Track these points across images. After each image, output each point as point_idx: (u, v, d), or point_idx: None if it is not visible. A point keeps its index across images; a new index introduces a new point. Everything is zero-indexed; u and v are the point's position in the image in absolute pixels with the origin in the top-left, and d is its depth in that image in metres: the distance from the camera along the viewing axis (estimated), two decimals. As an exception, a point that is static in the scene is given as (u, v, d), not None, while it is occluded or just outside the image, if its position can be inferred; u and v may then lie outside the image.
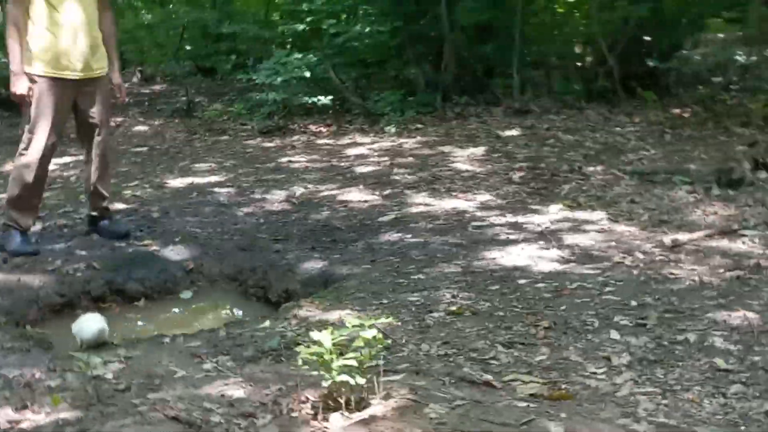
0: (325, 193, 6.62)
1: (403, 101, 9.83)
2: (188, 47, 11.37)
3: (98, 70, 5.14)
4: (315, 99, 9.28)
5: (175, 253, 5.24)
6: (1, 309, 4.35)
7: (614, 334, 3.60)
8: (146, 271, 5.02)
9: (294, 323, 3.89)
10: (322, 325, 3.71)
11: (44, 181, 5.24)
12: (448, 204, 6.12)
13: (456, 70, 10.39)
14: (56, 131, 5.08)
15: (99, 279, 4.86)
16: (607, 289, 4.16)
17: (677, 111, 9.22)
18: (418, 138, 8.62)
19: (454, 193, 6.44)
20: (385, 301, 4.15)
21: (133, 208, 6.21)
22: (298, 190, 6.70)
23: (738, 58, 9.35)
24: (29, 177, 5.05)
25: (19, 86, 4.92)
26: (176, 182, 7.00)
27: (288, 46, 10.99)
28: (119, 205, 6.27)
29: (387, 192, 6.59)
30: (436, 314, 3.92)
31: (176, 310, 4.87)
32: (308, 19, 9.25)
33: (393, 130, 8.90)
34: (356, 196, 6.50)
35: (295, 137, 9.05)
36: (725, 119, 8.55)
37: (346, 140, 8.79)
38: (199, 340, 3.77)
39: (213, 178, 7.15)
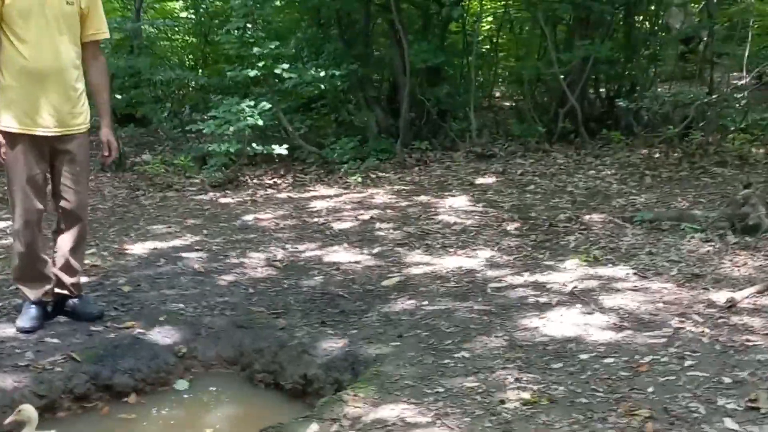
0: (309, 254, 6.03)
1: (359, 148, 9.32)
2: (117, 95, 10.56)
3: (76, 126, 4.43)
4: (269, 148, 8.64)
5: (162, 335, 4.55)
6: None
7: (730, 423, 3.12)
8: (134, 360, 4.30)
9: (347, 425, 3.26)
10: (382, 426, 3.13)
11: (38, 247, 4.56)
12: (450, 262, 5.62)
13: (410, 114, 9.95)
14: (35, 192, 4.39)
15: (81, 373, 4.12)
16: (687, 363, 3.69)
17: (644, 151, 8.97)
18: (387, 188, 8.11)
19: (451, 250, 5.94)
20: (440, 390, 3.58)
21: (96, 281, 5.46)
22: (278, 252, 6.07)
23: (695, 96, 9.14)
24: (21, 246, 4.48)
25: None
26: (136, 248, 6.27)
27: (229, 95, 10.33)
28: (82, 279, 5.49)
29: (376, 250, 6.04)
30: (509, 405, 3.36)
31: (175, 407, 4.16)
32: (260, 64, 8.64)
33: (358, 179, 8.35)
34: (344, 256, 5.92)
35: (250, 190, 8.40)
36: (699, 159, 8.32)
37: (308, 193, 8.21)
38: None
39: (177, 242, 6.44)
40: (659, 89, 10.16)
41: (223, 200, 7.99)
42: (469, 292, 4.99)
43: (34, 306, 4.57)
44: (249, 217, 7.22)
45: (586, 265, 5.29)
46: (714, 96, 9.13)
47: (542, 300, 4.72)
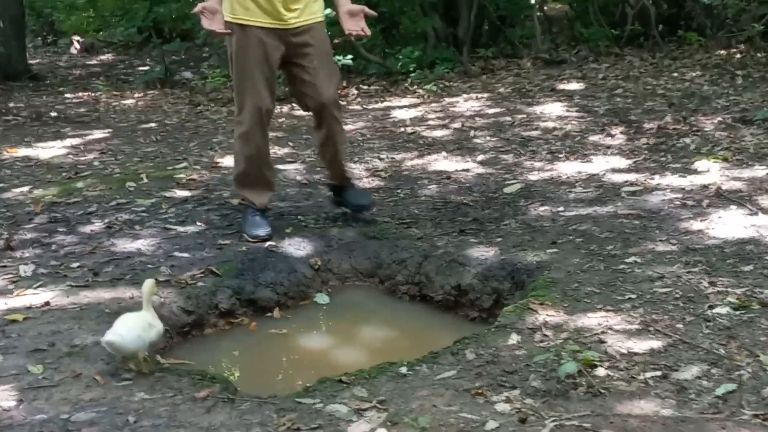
0: (410, 164, 5.75)
1: (422, 58, 8.94)
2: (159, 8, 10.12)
3: (309, 16, 4.11)
4: (336, 59, 8.23)
5: (294, 247, 4.28)
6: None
7: None
8: (274, 273, 4.05)
9: (550, 335, 3.02)
10: (591, 334, 2.89)
11: (266, 152, 4.37)
12: (566, 168, 5.35)
13: (471, 21, 9.53)
14: (266, 92, 4.14)
15: (224, 288, 3.87)
16: None
17: (723, 52, 8.59)
18: (465, 96, 7.76)
19: (561, 155, 5.67)
20: (631, 296, 3.33)
21: (200, 194, 5.20)
22: (377, 163, 5.79)
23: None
24: (250, 149, 4.26)
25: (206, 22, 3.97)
26: (228, 161, 5.96)
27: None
28: (180, 192, 5.24)
29: (480, 158, 5.76)
30: (720, 310, 3.12)
31: (322, 321, 3.93)
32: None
33: (432, 88, 8.00)
34: (449, 165, 5.65)
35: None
36: (787, 58, 7.96)
37: (380, 103, 7.88)
38: (447, 366, 2.87)
39: (267, 154, 6.12)
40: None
41: (294, 113, 7.66)
42: (603, 197, 4.72)
43: (259, 213, 4.37)
44: (330, 128, 6.88)
45: (719, 166, 5.00)
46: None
47: (689, 203, 4.45)
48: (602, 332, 3.01)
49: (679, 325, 3.02)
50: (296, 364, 3.54)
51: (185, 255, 4.15)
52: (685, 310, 3.15)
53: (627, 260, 3.73)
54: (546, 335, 3.03)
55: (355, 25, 4.03)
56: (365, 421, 2.50)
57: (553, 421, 2.38)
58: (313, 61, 4.14)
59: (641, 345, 2.87)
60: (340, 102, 4.40)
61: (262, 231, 4.28)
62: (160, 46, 10.26)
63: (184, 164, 5.88)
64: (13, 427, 2.56)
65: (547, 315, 3.20)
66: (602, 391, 2.57)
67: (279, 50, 4.12)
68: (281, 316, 3.93)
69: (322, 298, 4.10)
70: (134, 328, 2.90)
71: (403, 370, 2.86)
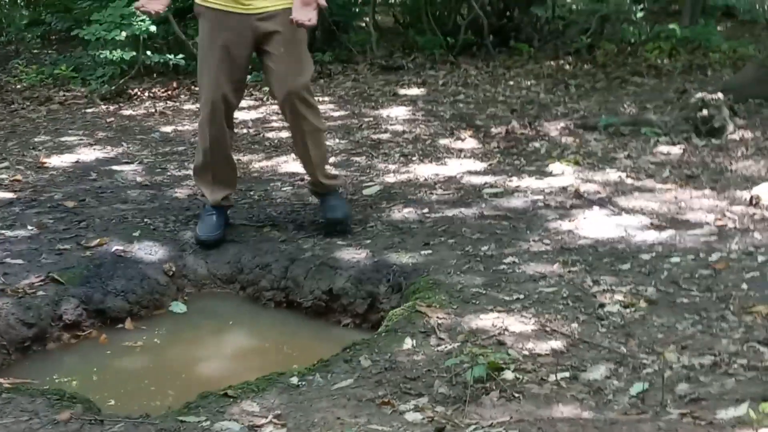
0: (258, 165, 5.51)
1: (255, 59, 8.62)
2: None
3: (277, 1, 3.73)
4: (165, 57, 7.81)
5: (144, 252, 3.90)
6: None
7: None
8: (124, 280, 3.66)
9: (446, 337, 2.85)
10: (488, 336, 2.76)
11: (226, 146, 3.98)
12: (422, 171, 5.24)
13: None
14: (224, 81, 3.77)
15: (69, 297, 3.44)
16: (762, 258, 3.51)
17: (551, 63, 8.84)
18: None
19: (414, 158, 5.56)
20: (519, 297, 3.23)
21: (28, 196, 4.69)
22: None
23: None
24: (204, 141, 3.95)
25: None
26: (55, 161, 5.46)
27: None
28: (3, 194, 4.71)
29: (332, 160, 5.55)
30: (611, 308, 3.06)
31: (178, 332, 3.58)
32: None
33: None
34: (300, 167, 5.37)
35: (147, 103, 7.57)
36: (613, 70, 8.29)
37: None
38: (343, 375, 2.62)
39: (98, 155, 5.67)
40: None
41: (124, 113, 7.15)
42: (466, 198, 4.63)
43: (215, 212, 4.02)
44: (167, 129, 6.50)
45: (573, 169, 5.05)
46: (613, 8, 9.12)
47: (553, 204, 4.43)
48: (499, 334, 2.87)
49: (574, 325, 2.93)
50: (160, 380, 3.17)
51: (19, 261, 3.69)
52: (576, 309, 3.07)
53: (505, 260, 3.63)
54: (442, 338, 2.85)
55: (304, 15, 3.65)
56: (263, 439, 2.21)
57: (476, 429, 2.19)
58: (280, 48, 3.79)
59: (542, 346, 2.75)
60: (310, 97, 3.94)
61: (206, 234, 3.98)
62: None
63: (5, 164, 5.30)
64: None
65: (437, 317, 3.03)
66: (516, 395, 2.41)
67: (244, 37, 3.78)
68: (134, 328, 3.55)
69: (178, 307, 3.75)
70: None
71: (294, 380, 2.59)
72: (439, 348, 2.77)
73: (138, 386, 3.09)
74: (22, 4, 10.17)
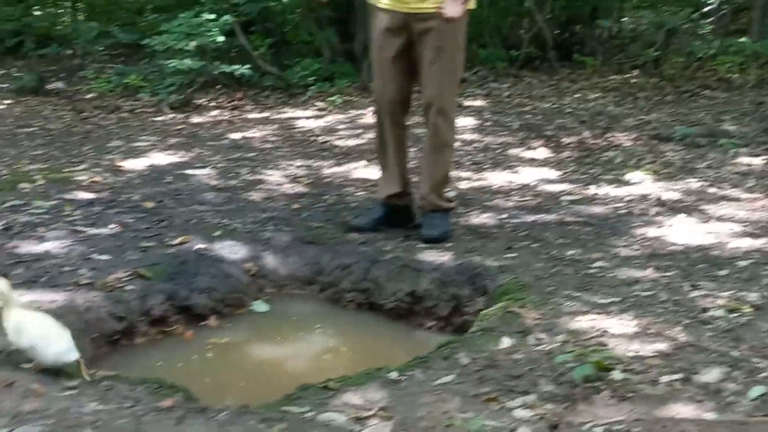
0: (329, 171, 5.48)
1: (319, 71, 8.67)
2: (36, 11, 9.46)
3: (434, 3, 3.68)
4: (233, 68, 7.86)
5: (226, 251, 3.89)
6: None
7: None
8: (208, 278, 3.64)
9: (544, 338, 2.78)
10: (588, 338, 2.67)
11: (390, 142, 3.99)
12: (495, 178, 5.23)
13: (365, 37, 9.32)
14: (387, 77, 3.80)
15: (156, 293, 3.43)
16: None
17: (616, 77, 8.74)
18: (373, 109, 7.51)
19: (486, 166, 5.55)
20: (615, 299, 3.14)
21: (107, 197, 4.72)
22: (293, 170, 5.46)
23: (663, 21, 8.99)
24: (377, 134, 4.09)
25: None
26: (130, 165, 5.49)
27: (165, 11, 9.39)
28: (84, 194, 4.74)
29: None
30: (714, 313, 2.96)
31: (263, 331, 3.55)
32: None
33: (338, 101, 7.72)
34: (371, 173, 5.35)
35: (215, 112, 7.62)
36: (682, 83, 8.16)
37: (282, 114, 7.52)
38: (442, 372, 2.57)
39: (171, 159, 5.70)
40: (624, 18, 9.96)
41: (193, 120, 7.21)
42: (544, 205, 4.57)
43: (381, 204, 4.11)
44: (236, 136, 6.52)
45: (652, 179, 4.95)
46: (681, 22, 8.99)
47: (635, 211, 4.35)
48: (600, 335, 2.79)
49: (678, 328, 2.84)
50: (249, 375, 3.14)
51: (105, 257, 3.69)
52: (678, 313, 2.98)
53: (593, 265, 3.56)
54: (540, 338, 2.79)
55: (450, 9, 3.63)
56: (371, 430, 2.16)
57: (593, 427, 2.12)
58: (428, 53, 3.76)
59: (647, 348, 2.67)
60: (450, 109, 3.91)
61: (356, 220, 4.12)
62: (34, 51, 9.52)
63: (83, 167, 5.35)
64: (-64, 445, 2.07)
65: (532, 318, 2.96)
66: (628, 394, 2.33)
67: (400, 36, 3.80)
68: (218, 325, 3.52)
69: (260, 306, 3.72)
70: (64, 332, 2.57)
71: (394, 375, 2.54)
72: (539, 347, 2.70)
73: (227, 381, 3.07)
74: (89, 17, 10.34)
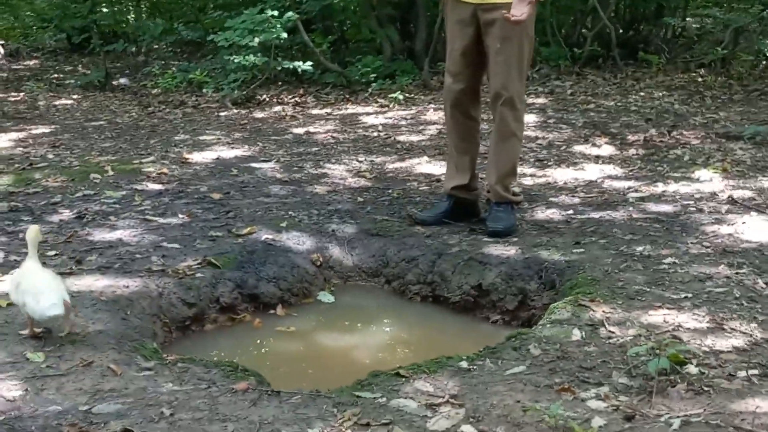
0: (392, 166, 5.46)
1: (381, 68, 8.68)
2: (104, 8, 9.63)
3: None
4: (296, 65, 7.92)
5: (293, 242, 3.92)
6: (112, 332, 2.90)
7: None
8: (276, 267, 3.68)
9: (616, 330, 2.75)
10: (662, 332, 2.63)
11: (459, 134, 4.05)
12: (560, 175, 5.16)
13: (426, 35, 9.31)
14: (456, 69, 3.86)
15: (226, 281, 3.48)
16: None
17: (683, 75, 8.59)
18: (434, 105, 7.51)
19: (550, 163, 5.47)
20: (687, 295, 3.09)
21: (175, 188, 4.79)
22: (356, 164, 5.47)
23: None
24: (446, 123, 4.17)
25: None
26: (197, 157, 5.57)
27: (228, 9, 9.50)
28: (153, 185, 4.82)
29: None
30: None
31: (330, 321, 3.57)
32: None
33: (399, 97, 7.73)
34: (434, 168, 5.40)
35: (277, 108, 7.68)
36: (749, 81, 8.00)
37: (344, 110, 7.55)
38: (513, 362, 2.56)
39: (237, 153, 5.77)
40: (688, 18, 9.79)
41: (256, 115, 7.28)
42: (611, 201, 4.51)
43: (445, 197, 4.14)
44: (299, 131, 6.57)
45: (721, 177, 4.86)
46: (749, 21, 8.80)
47: (706, 209, 4.27)
48: (673, 329, 2.75)
49: (753, 324, 2.79)
50: (318, 362, 3.17)
51: (175, 246, 3.75)
52: (753, 309, 2.92)
53: (664, 261, 3.51)
54: (612, 331, 2.75)
55: (517, 10, 3.63)
56: (443, 417, 2.17)
57: (670, 418, 2.09)
58: (496, 44, 3.77)
59: (722, 343, 2.63)
60: (518, 101, 3.88)
61: (421, 214, 4.12)
62: (101, 47, 9.72)
63: (151, 159, 5.44)
64: (22, 418, 2.13)
65: (603, 312, 2.93)
66: (705, 388, 2.29)
67: (470, 27, 3.82)
68: (285, 314, 3.55)
69: (326, 297, 3.75)
70: (59, 289, 2.65)
71: (465, 364, 2.54)
72: (611, 340, 2.67)
73: (296, 367, 3.10)
74: (152, 14, 10.51)
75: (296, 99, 8.16)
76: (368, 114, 7.32)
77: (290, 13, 7.93)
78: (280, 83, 8.76)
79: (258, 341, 3.31)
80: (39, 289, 2.61)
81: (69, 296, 2.69)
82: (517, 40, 3.76)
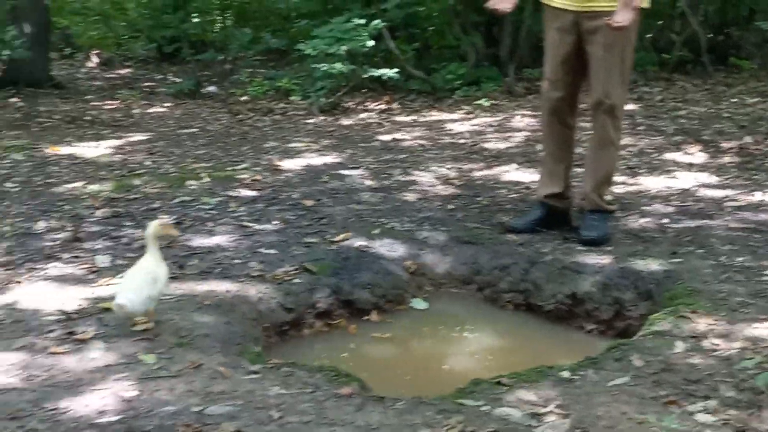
0: (480, 174, 5.46)
1: (465, 75, 8.68)
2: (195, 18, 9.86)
3: (605, 2, 3.71)
4: (382, 72, 7.98)
5: (385, 249, 3.96)
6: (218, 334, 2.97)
7: None
8: (370, 274, 3.72)
9: (720, 343, 2.70)
10: (766, 345, 2.57)
11: (555, 142, 4.05)
12: (651, 183, 5.09)
13: (511, 41, 9.27)
14: (556, 76, 3.86)
15: (322, 287, 3.54)
16: None
17: (776, 81, 8.37)
18: (520, 112, 7.49)
19: (641, 171, 5.39)
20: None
21: (268, 194, 4.88)
22: (444, 171, 5.49)
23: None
24: (542, 130, 4.17)
25: None
26: (287, 164, 5.66)
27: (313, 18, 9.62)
28: (247, 192, 4.92)
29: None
30: None
31: (431, 327, 3.60)
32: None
33: (485, 104, 7.73)
34: (522, 176, 5.37)
35: (363, 115, 7.75)
36: None
37: (429, 117, 7.58)
38: (616, 373, 2.54)
39: (326, 160, 5.84)
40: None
41: (343, 123, 7.37)
42: (707, 211, 4.44)
43: (538, 205, 4.15)
44: (385, 138, 6.62)
45: (825, 185, 4.73)
46: None
47: (812, 217, 4.15)
48: (782, 341, 2.69)
49: None
50: (415, 369, 3.20)
51: (271, 251, 3.83)
52: None
53: (766, 272, 3.42)
54: (716, 344, 2.71)
55: (620, 17, 3.62)
56: (549, 426, 2.17)
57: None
58: (598, 51, 3.77)
59: (834, 357, 2.56)
60: (618, 109, 3.86)
61: (513, 221, 4.15)
62: (192, 57, 9.96)
63: (244, 166, 5.56)
64: (139, 418, 2.21)
65: (706, 324, 2.89)
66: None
67: (571, 35, 3.83)
68: (380, 320, 3.59)
69: (419, 304, 3.77)
70: (141, 288, 2.81)
71: (566, 374, 2.53)
72: (716, 353, 2.63)
73: (394, 374, 3.13)
74: (238, 24, 10.73)
75: (381, 106, 8.23)
76: (454, 121, 7.34)
77: (377, 21, 8.00)
78: (364, 90, 8.84)
79: (354, 347, 3.35)
80: (124, 282, 2.86)
81: (156, 295, 2.87)
82: (620, 47, 3.73)
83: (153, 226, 2.94)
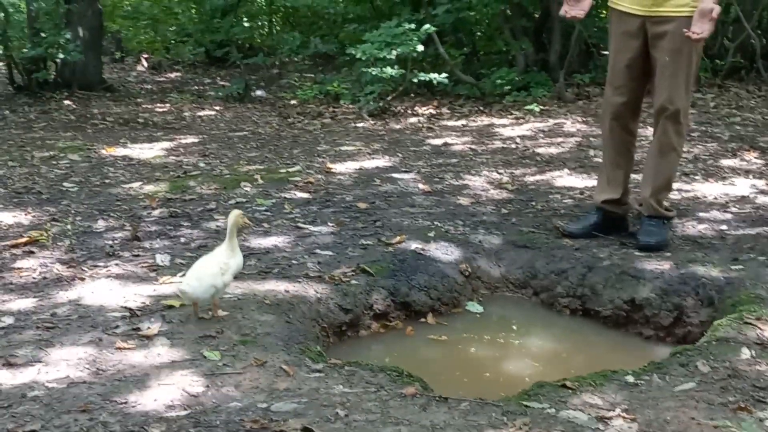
0: (532, 179, 5.43)
1: (515, 80, 8.65)
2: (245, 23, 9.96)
3: (672, 7, 3.70)
4: (432, 76, 7.98)
5: (441, 252, 3.96)
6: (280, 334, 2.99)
7: None
8: (427, 276, 3.72)
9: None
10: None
11: (616, 148, 4.06)
12: (708, 189, 5.04)
13: (560, 47, 9.23)
14: (619, 81, 3.85)
15: (379, 288, 3.55)
16: None
17: (832, 89, 8.22)
18: (571, 117, 7.44)
19: (696, 177, 5.32)
20: None
21: (322, 197, 4.91)
22: (496, 176, 5.47)
23: None
24: (602, 136, 4.17)
25: None
26: (339, 167, 5.69)
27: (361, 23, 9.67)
28: (300, 194, 4.95)
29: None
30: None
31: (486, 331, 3.58)
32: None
33: (536, 109, 7.70)
34: (576, 181, 5.34)
35: (413, 119, 7.76)
36: None
37: (479, 122, 7.56)
38: (682, 378, 2.51)
39: (378, 163, 5.86)
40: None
41: (393, 127, 7.39)
42: (766, 217, 4.35)
43: (594, 211, 4.14)
44: (436, 142, 6.63)
45: None
46: None
47: None
48: None
49: None
50: (476, 370, 3.19)
51: (329, 252, 3.85)
52: None
53: (830, 279, 3.36)
54: (785, 350, 2.66)
55: (698, 27, 3.59)
56: (616, 430, 2.15)
57: None
58: (665, 57, 3.74)
59: None
60: (682, 115, 3.82)
61: (569, 226, 4.13)
62: (241, 60, 10.06)
63: (296, 168, 5.60)
64: (207, 413, 2.24)
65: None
66: None
67: (637, 39, 3.81)
68: (436, 322, 3.59)
69: (474, 307, 3.77)
70: (207, 277, 2.87)
71: (631, 379, 2.51)
72: (784, 359, 2.59)
73: (453, 375, 3.13)
74: (285, 28, 10.81)
75: (430, 111, 8.24)
76: (504, 126, 7.32)
77: (427, 26, 8.01)
78: (413, 95, 8.86)
79: (411, 349, 3.35)
80: (193, 268, 2.96)
81: (222, 286, 2.93)
82: (687, 53, 3.70)
83: (234, 215, 2.96)
